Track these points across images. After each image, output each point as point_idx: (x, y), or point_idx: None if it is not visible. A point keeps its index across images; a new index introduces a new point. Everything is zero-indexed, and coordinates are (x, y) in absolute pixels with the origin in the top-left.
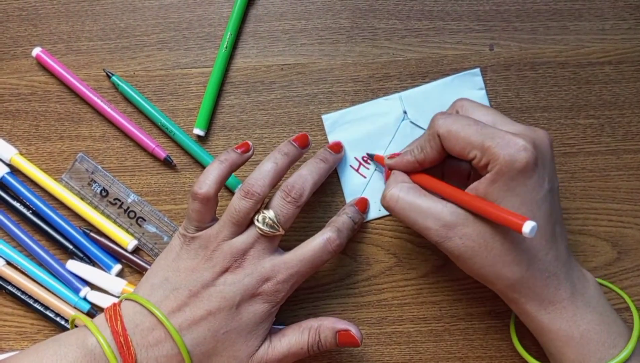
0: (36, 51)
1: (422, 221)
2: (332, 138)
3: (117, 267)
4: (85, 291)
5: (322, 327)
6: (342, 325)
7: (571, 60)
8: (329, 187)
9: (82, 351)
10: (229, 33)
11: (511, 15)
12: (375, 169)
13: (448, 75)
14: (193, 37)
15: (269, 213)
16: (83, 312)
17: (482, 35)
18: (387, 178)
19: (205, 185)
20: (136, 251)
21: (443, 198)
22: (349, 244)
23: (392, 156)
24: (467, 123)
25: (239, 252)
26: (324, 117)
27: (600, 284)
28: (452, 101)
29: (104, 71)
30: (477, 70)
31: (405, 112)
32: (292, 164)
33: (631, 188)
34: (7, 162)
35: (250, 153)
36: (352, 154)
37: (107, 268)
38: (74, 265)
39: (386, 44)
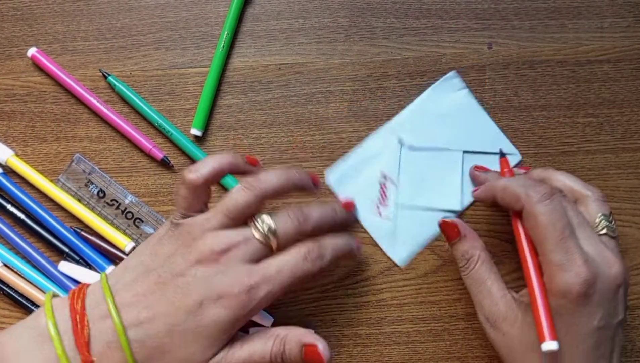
0: (31, 51)
1: (482, 297)
2: (342, 194)
3: (111, 268)
4: None
5: (289, 337)
6: (309, 338)
7: (570, 58)
8: (328, 187)
9: (35, 331)
10: (225, 32)
11: (510, 14)
12: (399, 207)
13: (446, 74)
14: (190, 37)
15: (270, 221)
16: None
17: (481, 34)
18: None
19: (197, 172)
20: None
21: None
22: None
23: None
24: (557, 224)
25: (220, 246)
26: (327, 174)
27: None
28: (441, 110)
29: (100, 71)
30: (453, 72)
31: (400, 140)
32: (300, 190)
33: (630, 187)
34: (4, 164)
35: (255, 169)
36: (368, 200)
37: (100, 270)
38: (66, 267)
39: (384, 43)
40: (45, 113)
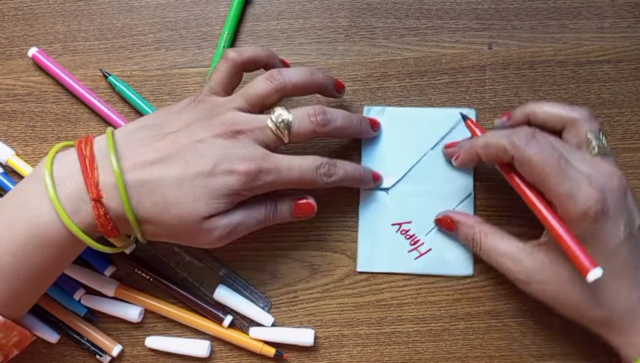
0: (32, 51)
1: (503, 263)
2: (380, 270)
3: (111, 269)
4: (80, 293)
5: (281, 197)
6: (299, 196)
7: (570, 58)
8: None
9: (37, 182)
10: (226, 32)
11: (510, 14)
12: (426, 234)
13: (446, 74)
14: (190, 37)
15: (287, 115)
16: (80, 315)
17: (481, 34)
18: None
19: (239, 52)
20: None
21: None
22: (348, 244)
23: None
24: (549, 158)
25: (238, 125)
26: (358, 268)
27: None
28: (386, 137)
29: (101, 71)
30: (366, 107)
31: (382, 189)
32: (321, 92)
33: (630, 187)
34: (4, 163)
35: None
36: (404, 252)
37: (101, 270)
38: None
39: (384, 43)
40: (45, 113)
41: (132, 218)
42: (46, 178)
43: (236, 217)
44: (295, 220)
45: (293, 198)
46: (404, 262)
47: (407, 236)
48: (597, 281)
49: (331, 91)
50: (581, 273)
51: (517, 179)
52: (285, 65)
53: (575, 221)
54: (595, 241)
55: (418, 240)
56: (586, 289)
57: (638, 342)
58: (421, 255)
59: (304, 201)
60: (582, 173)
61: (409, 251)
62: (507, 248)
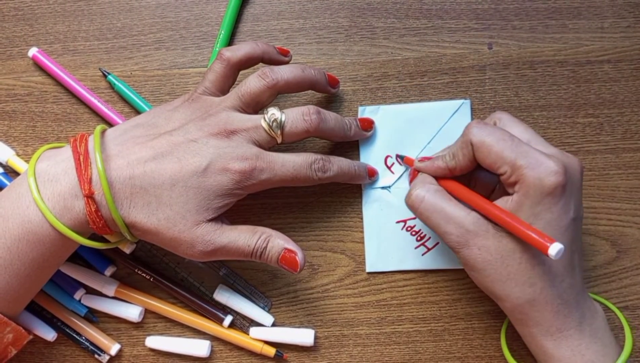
0: (32, 51)
1: (444, 225)
2: (389, 268)
3: (111, 269)
4: (80, 293)
5: (273, 237)
6: (291, 245)
7: (570, 58)
8: (328, 187)
9: (22, 178)
10: (222, 32)
11: (510, 14)
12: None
13: (446, 74)
14: (190, 37)
15: (280, 114)
16: (80, 315)
17: (481, 34)
18: (412, 179)
19: (234, 52)
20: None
21: (467, 206)
22: (348, 244)
23: (422, 160)
24: (502, 137)
25: (232, 125)
26: (367, 267)
27: (596, 300)
28: (382, 136)
29: (100, 70)
30: (361, 107)
31: (383, 188)
32: (314, 88)
33: (630, 187)
34: (4, 163)
35: (287, 58)
36: (411, 248)
37: (101, 270)
38: (66, 266)
39: (384, 43)
40: (46, 113)
41: (117, 215)
42: (30, 181)
43: (223, 239)
44: (276, 267)
45: (285, 246)
46: (412, 259)
47: (413, 233)
48: (536, 260)
49: (324, 86)
50: (542, 251)
51: (452, 184)
52: (284, 53)
53: (533, 192)
54: (548, 218)
55: (424, 235)
56: (524, 263)
57: (561, 326)
58: (429, 250)
59: (293, 254)
60: (541, 150)
61: (416, 248)
62: (453, 210)
